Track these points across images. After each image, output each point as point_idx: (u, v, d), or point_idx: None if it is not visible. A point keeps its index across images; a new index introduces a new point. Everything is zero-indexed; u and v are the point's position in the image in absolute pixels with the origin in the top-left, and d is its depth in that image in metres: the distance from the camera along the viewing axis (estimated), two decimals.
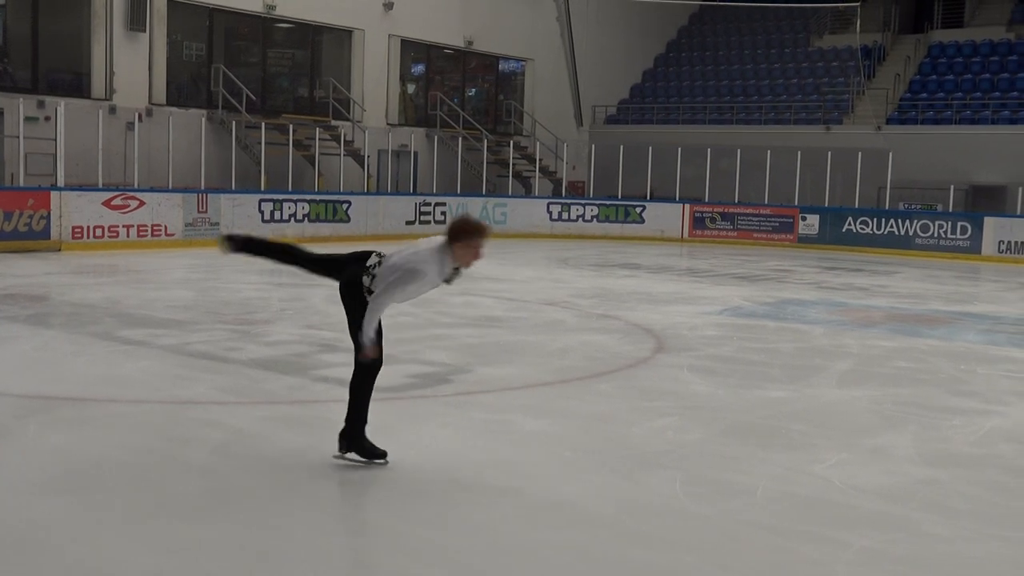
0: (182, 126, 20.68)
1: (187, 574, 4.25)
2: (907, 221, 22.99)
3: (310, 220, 21.23)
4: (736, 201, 25.06)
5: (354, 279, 5.52)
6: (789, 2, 33.18)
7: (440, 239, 5.51)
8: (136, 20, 21.17)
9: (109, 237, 18.09)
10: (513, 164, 27.01)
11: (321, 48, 26.12)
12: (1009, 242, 21.80)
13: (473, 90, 30.28)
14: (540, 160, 27.99)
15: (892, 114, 27.67)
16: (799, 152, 24.33)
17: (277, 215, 20.66)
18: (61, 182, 17.95)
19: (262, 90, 24.12)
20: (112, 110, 20.64)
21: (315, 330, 9.93)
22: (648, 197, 25.56)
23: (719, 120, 29.91)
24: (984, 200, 24.67)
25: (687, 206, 25.09)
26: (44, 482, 5.31)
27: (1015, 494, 5.64)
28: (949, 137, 25.83)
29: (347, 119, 24.85)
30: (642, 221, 25.11)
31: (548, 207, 25.34)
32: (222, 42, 23.97)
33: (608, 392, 7.86)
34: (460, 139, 26.41)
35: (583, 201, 25.60)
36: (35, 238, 17.14)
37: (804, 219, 24.06)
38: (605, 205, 25.28)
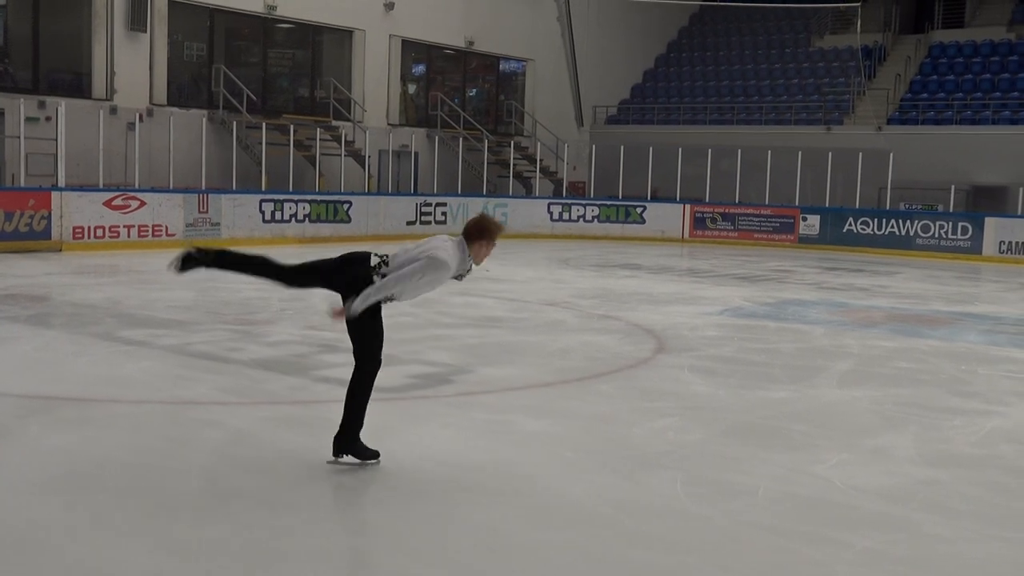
0: (183, 126, 20.68)
1: (187, 574, 4.25)
2: (908, 221, 22.98)
3: (311, 220, 21.23)
4: (737, 201, 25.05)
5: (364, 279, 5.45)
6: (790, 2, 33.18)
7: (457, 237, 5.59)
8: (137, 20, 21.17)
9: (110, 237, 18.10)
10: (514, 164, 27.01)
11: (322, 48, 26.12)
12: (1010, 242, 21.79)
13: (474, 90, 30.28)
14: (541, 160, 27.99)
15: (893, 114, 27.67)
16: (800, 152, 24.32)
17: (278, 215, 20.66)
18: (62, 182, 17.95)
19: (263, 90, 24.13)
20: (113, 110, 20.64)
21: (316, 330, 9.93)
22: (649, 198, 25.56)
23: (720, 120, 29.91)
24: (985, 200, 24.66)
25: (688, 206, 25.09)
26: (45, 482, 5.31)
27: (1016, 495, 5.63)
28: (950, 137, 25.82)
29: (348, 119, 24.85)
30: (643, 221, 25.11)
31: (549, 207, 25.34)
32: (223, 42, 23.97)
33: (609, 392, 7.86)
34: (461, 139, 26.40)
35: (584, 201, 25.60)
36: (36, 238, 17.14)
37: (805, 219, 24.05)
38: (606, 205, 25.28)
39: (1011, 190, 23.42)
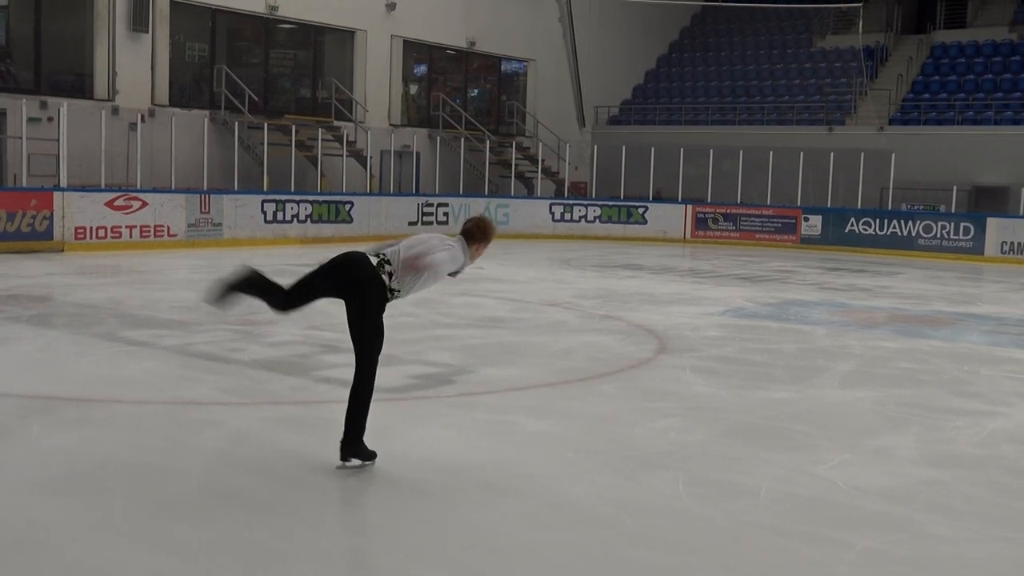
0: (185, 127, 20.68)
1: (187, 574, 4.25)
2: (910, 222, 22.96)
3: (312, 221, 21.23)
4: (738, 202, 25.04)
5: (371, 278, 5.44)
6: (791, 2, 33.16)
7: (457, 236, 5.72)
8: (139, 21, 21.19)
9: (112, 238, 18.11)
10: (515, 165, 27.01)
11: (323, 49, 26.14)
12: (1012, 243, 21.77)
13: (475, 91, 30.28)
14: (542, 161, 27.98)
15: (895, 115, 27.65)
16: (801, 153, 24.31)
17: (280, 216, 20.67)
18: (64, 183, 17.96)
19: (264, 91, 24.14)
20: (115, 111, 20.65)
21: (317, 331, 9.92)
22: (652, 198, 25.55)
23: (721, 121, 29.90)
24: (987, 201, 24.64)
25: (689, 207, 25.08)
26: (46, 482, 5.31)
27: (1018, 495, 5.63)
28: (952, 138, 25.80)
29: (349, 120, 24.86)
30: (644, 222, 25.10)
31: (550, 208, 25.34)
32: (225, 43, 23.99)
33: (611, 393, 7.85)
34: (462, 140, 26.40)
35: (585, 202, 25.59)
36: (38, 239, 17.15)
37: (807, 220, 24.04)
38: (607, 206, 25.27)
39: (1013, 190, 23.40)
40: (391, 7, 26.01)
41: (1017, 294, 16.02)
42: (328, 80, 25.52)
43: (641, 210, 25.14)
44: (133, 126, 20.14)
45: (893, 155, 23.78)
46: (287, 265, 16.67)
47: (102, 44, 21.03)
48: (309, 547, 4.52)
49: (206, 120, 21.05)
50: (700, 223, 24.95)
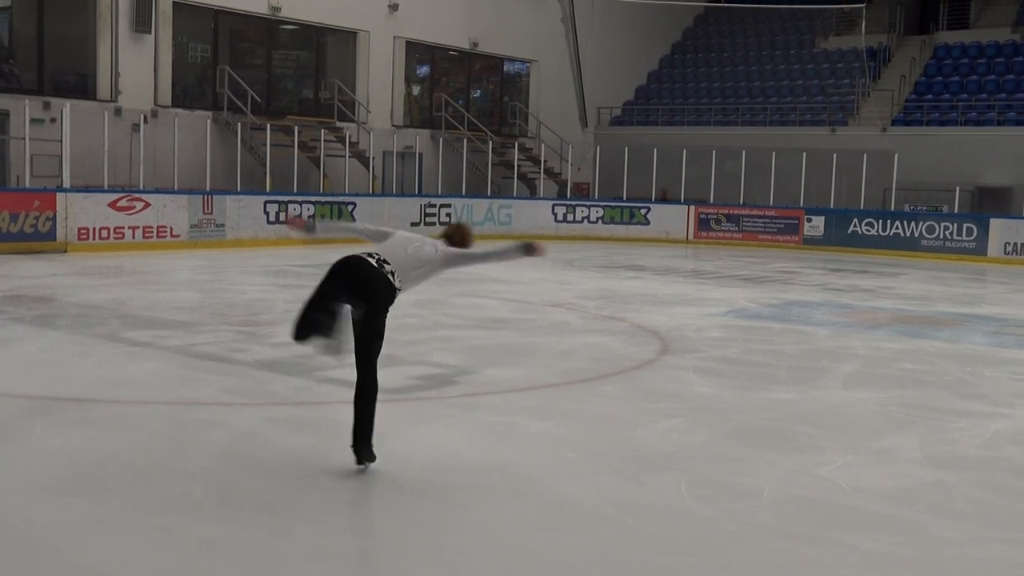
0: (187, 127, 20.69)
1: (189, 574, 4.25)
2: (913, 223, 22.94)
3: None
4: (741, 203, 25.03)
5: (378, 277, 5.46)
6: (794, 3, 33.15)
7: (442, 240, 5.86)
8: (141, 22, 21.20)
9: (115, 238, 18.11)
10: (518, 165, 27.01)
11: (326, 50, 26.14)
12: (1015, 244, 21.74)
13: (478, 91, 30.28)
14: (545, 162, 27.98)
15: (897, 115, 27.64)
16: (804, 154, 24.30)
17: (282, 216, 20.66)
18: (67, 183, 17.97)
19: (267, 92, 24.15)
20: (118, 112, 20.66)
21: None
22: (655, 199, 25.54)
23: (724, 122, 29.89)
24: (990, 202, 24.61)
25: (692, 208, 25.08)
26: (48, 483, 5.31)
27: (1022, 496, 5.62)
28: (955, 138, 25.78)
29: (352, 121, 24.87)
30: (647, 223, 25.09)
31: (553, 208, 25.34)
32: (227, 44, 24.00)
33: (613, 394, 7.85)
34: (465, 140, 26.39)
35: (588, 203, 25.58)
36: (41, 239, 17.16)
37: (809, 221, 24.02)
38: (610, 207, 25.27)
39: (1016, 191, 23.39)
40: (394, 8, 26.01)
41: (1020, 295, 16.00)
42: (331, 81, 25.53)
43: (644, 211, 25.13)
44: (136, 127, 20.14)
45: (896, 156, 23.77)
46: (289, 266, 16.69)
47: (105, 45, 21.04)
48: (310, 547, 4.52)
49: (209, 121, 21.06)
50: (703, 224, 24.94)
